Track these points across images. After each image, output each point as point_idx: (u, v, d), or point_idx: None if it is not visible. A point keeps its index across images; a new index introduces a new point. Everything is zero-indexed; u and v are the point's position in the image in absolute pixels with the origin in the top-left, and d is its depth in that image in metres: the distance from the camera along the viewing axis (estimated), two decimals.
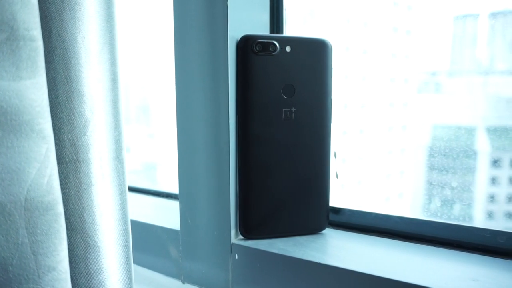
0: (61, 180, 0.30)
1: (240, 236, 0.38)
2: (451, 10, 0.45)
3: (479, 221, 0.45)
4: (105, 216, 0.32)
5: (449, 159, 0.45)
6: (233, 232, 0.38)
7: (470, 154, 0.44)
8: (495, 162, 0.45)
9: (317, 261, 0.33)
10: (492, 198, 0.45)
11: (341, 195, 0.47)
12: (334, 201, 0.41)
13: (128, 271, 0.34)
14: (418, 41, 0.50)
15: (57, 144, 0.29)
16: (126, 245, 0.33)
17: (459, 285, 0.29)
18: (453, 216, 0.44)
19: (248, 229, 0.37)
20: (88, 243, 0.31)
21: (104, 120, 0.31)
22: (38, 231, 0.25)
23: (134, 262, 0.45)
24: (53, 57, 0.29)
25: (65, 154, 0.30)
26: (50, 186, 0.26)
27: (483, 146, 0.45)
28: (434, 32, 0.47)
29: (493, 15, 0.43)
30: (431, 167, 0.46)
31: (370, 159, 0.56)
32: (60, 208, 0.26)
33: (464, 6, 0.45)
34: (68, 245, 0.30)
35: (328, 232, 0.40)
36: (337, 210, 0.41)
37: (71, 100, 0.30)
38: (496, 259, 0.33)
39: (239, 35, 0.36)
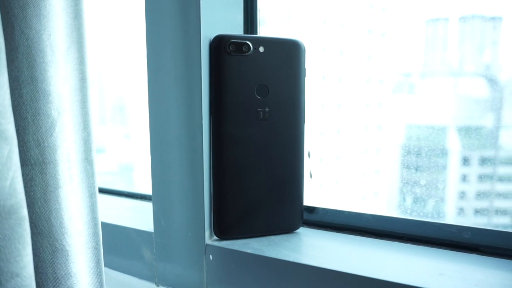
0: (26, 183, 0.29)
1: (215, 237, 0.38)
2: (423, 14, 0.47)
3: (451, 217, 0.46)
4: (73, 219, 0.31)
5: (422, 158, 0.46)
6: (207, 233, 0.37)
7: (442, 153, 0.45)
8: (465, 161, 0.47)
9: (291, 260, 0.33)
10: (462, 195, 0.47)
11: (318, 194, 0.48)
12: (312, 200, 0.41)
13: (98, 274, 0.33)
14: (393, 43, 0.51)
15: (21, 145, 0.28)
16: (96, 248, 0.33)
17: (427, 280, 0.29)
18: (424, 213, 0.45)
19: (223, 229, 0.37)
20: (56, 247, 0.30)
21: (72, 121, 0.31)
22: (0, 236, 0.24)
23: (107, 265, 0.44)
24: (16, 55, 0.28)
25: (31, 155, 0.29)
26: (13, 189, 0.25)
27: (454, 145, 0.46)
28: (408, 34, 0.49)
29: (462, 19, 0.45)
30: (405, 166, 0.47)
31: (347, 159, 0.57)
32: (24, 212, 0.25)
33: (435, 10, 0.46)
34: (35, 249, 0.29)
35: (303, 231, 0.40)
36: (311, 209, 0.41)
37: (36, 100, 0.29)
38: (462, 253, 0.34)
39: (212, 35, 0.36)
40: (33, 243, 0.29)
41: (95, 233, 0.32)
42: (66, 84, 0.30)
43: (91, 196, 0.32)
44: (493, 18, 0.43)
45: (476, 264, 0.32)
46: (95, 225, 0.32)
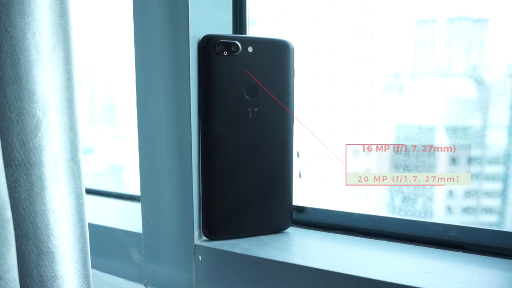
0: (10, 184, 0.28)
1: (204, 237, 0.38)
2: (412, 15, 0.47)
3: (439, 216, 0.47)
4: (59, 220, 0.30)
5: (411, 157, 0.46)
6: (196, 233, 0.37)
7: (430, 152, 0.46)
8: (453, 160, 0.47)
9: (280, 260, 0.33)
10: (450, 193, 0.48)
11: (309, 194, 0.48)
12: (303, 200, 0.41)
13: (85, 277, 0.33)
14: (382, 43, 0.52)
15: (5, 146, 0.28)
16: (83, 250, 0.32)
17: (414, 278, 0.30)
18: (413, 212, 0.46)
19: (212, 230, 0.37)
20: (41, 250, 0.30)
21: (57, 121, 0.30)
22: None
23: (95, 267, 0.43)
24: None
25: (15, 156, 0.28)
26: None
27: (442, 144, 0.47)
28: (397, 35, 0.49)
29: (450, 20, 0.45)
30: (395, 165, 0.48)
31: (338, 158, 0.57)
32: (8, 214, 0.25)
33: (424, 11, 0.47)
34: (19, 252, 0.29)
35: (292, 230, 0.40)
36: (300, 209, 0.41)
37: (21, 100, 0.28)
38: (448, 251, 0.35)
39: (201, 35, 0.36)
40: (18, 246, 0.28)
41: (82, 235, 0.32)
42: (52, 83, 0.30)
43: (78, 197, 0.32)
44: (479, 20, 0.43)
45: (462, 261, 0.33)
46: (82, 226, 0.32)
